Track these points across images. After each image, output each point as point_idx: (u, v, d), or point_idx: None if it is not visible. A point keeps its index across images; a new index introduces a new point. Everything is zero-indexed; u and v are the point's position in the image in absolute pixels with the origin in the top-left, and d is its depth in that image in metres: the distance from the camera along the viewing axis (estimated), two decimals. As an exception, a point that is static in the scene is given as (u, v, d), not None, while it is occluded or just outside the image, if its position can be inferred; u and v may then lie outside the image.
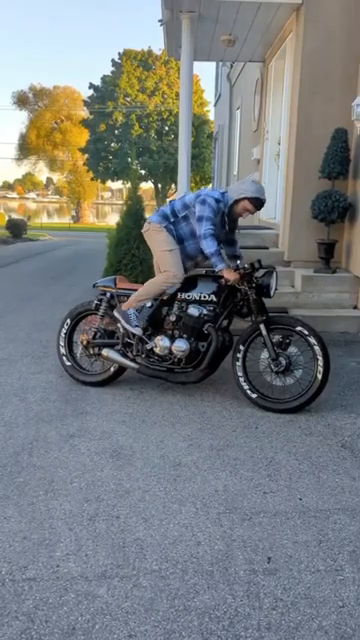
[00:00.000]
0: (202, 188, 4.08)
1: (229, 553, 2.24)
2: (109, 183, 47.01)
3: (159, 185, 39.66)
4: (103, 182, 43.10)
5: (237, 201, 3.77)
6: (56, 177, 60.41)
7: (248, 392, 3.75)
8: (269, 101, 7.84)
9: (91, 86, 37.71)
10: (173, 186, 38.93)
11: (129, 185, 7.08)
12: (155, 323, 3.92)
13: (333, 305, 5.84)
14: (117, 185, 52.53)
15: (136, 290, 4.01)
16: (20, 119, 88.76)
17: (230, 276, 3.64)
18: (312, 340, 3.61)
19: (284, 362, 3.68)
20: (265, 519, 2.48)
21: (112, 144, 37.94)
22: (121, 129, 37.07)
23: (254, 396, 3.74)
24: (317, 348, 3.60)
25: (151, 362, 3.98)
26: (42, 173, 61.61)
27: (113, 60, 37.69)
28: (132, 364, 3.97)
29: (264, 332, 3.68)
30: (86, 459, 3.03)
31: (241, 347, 3.78)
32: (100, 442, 3.24)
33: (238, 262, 3.82)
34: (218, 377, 4.11)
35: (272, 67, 7.71)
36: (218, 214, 3.76)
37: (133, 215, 6.08)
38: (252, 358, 3.83)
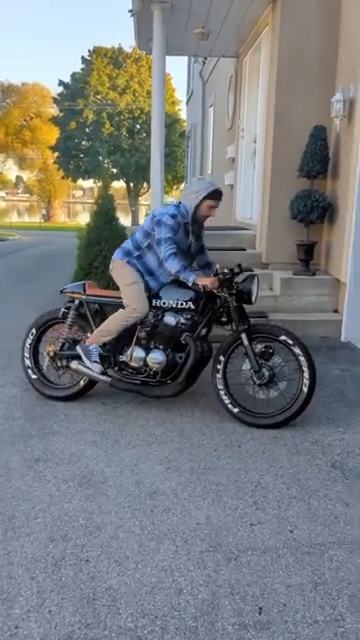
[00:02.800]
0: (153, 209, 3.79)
1: (215, 603, 1.97)
2: (80, 182, 46.41)
3: (131, 184, 39.25)
4: (74, 180, 42.46)
5: (198, 205, 3.54)
6: (26, 175, 59.44)
7: (229, 406, 3.49)
8: (244, 98, 7.60)
9: (61, 83, 37.10)
10: (145, 185, 38.62)
11: (100, 184, 6.75)
12: (128, 333, 3.62)
13: (313, 309, 5.64)
14: (89, 184, 51.81)
15: (107, 297, 3.72)
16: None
17: (206, 282, 3.38)
18: (297, 350, 3.37)
19: (267, 374, 3.43)
20: (254, 557, 2.21)
21: (83, 142, 37.39)
22: (92, 127, 36.53)
23: (236, 410, 3.48)
24: (302, 359, 3.36)
25: (124, 375, 3.69)
26: (11, 171, 60.26)
27: (83, 57, 37.11)
28: (103, 377, 3.67)
29: (246, 342, 3.42)
30: (52, 488, 2.72)
31: (221, 358, 3.52)
32: (68, 467, 2.93)
33: (217, 266, 3.56)
34: (196, 388, 3.83)
35: (246, 63, 7.48)
36: (179, 229, 3.51)
37: (104, 215, 5.78)
38: (233, 369, 3.57)
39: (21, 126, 45.83)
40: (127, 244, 3.71)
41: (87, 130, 37.01)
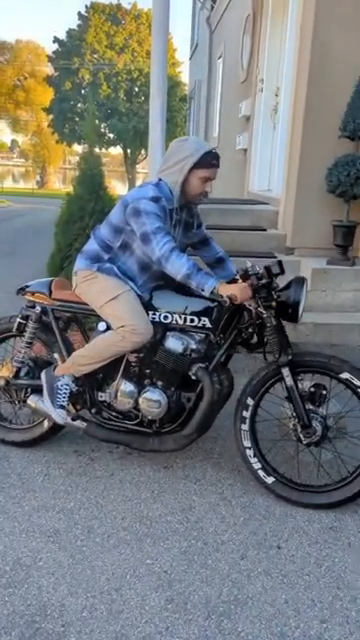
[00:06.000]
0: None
1: None
2: (76, 147, 44.69)
3: (128, 150, 37.50)
4: (69, 145, 40.60)
5: (185, 180, 2.29)
6: (20, 139, 57.50)
7: (260, 474, 2.35)
8: (264, 42, 6.25)
9: (56, 40, 35.01)
10: (143, 152, 36.91)
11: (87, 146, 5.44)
12: (112, 361, 2.44)
13: (351, 308, 4.46)
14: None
15: (82, 304, 2.53)
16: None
17: (234, 291, 2.17)
18: (367, 395, 2.22)
19: (319, 429, 2.28)
20: None
21: (78, 105, 35.52)
22: (88, 89, 34.62)
23: (270, 481, 2.34)
24: (375, 409, 2.21)
25: (105, 419, 2.53)
26: (4, 134, 57.93)
27: (79, 13, 34.96)
28: (75, 423, 2.51)
29: (289, 381, 2.26)
30: (-28, 652, 1.60)
31: (249, 401, 2.36)
32: (7, 595, 1.80)
33: (248, 265, 2.34)
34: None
35: (269, -3, 6.10)
36: (165, 217, 2.29)
37: (88, 183, 4.52)
38: (265, 415, 2.42)
39: (14, 86, 43.77)
40: (91, 246, 2.48)
41: (83, 92, 35.13)
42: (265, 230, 5.03)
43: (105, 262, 2.43)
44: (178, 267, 2.19)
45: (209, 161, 2.30)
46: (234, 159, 7.57)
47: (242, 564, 1.99)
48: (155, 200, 2.25)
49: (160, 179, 2.34)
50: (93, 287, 2.42)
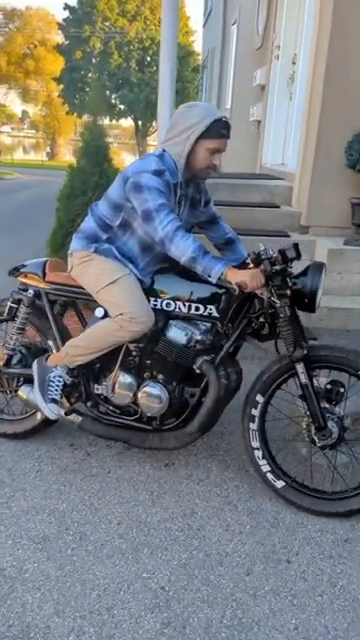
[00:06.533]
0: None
1: None
2: (86, 118, 43.99)
3: (139, 122, 36.78)
4: (79, 116, 39.89)
5: (191, 151, 2.03)
6: (30, 110, 56.70)
7: (269, 477, 2.15)
8: (282, 5, 5.88)
9: (66, 7, 34.10)
10: (154, 124, 36.19)
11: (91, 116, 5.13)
12: (110, 350, 2.23)
13: (368, 292, 4.21)
14: (95, 121, 49.10)
15: (78, 288, 2.32)
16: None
17: (245, 278, 1.94)
18: (390, 396, 2.00)
19: (335, 430, 2.07)
20: None
21: (89, 74, 34.74)
22: (99, 58, 33.80)
23: (280, 485, 2.14)
24: None
25: (103, 414, 2.34)
26: (14, 104, 57.13)
27: (91, -22, 33.94)
28: (69, 417, 2.32)
29: (304, 378, 2.05)
30: None
31: (259, 398, 2.15)
32: (-13, 614, 1.64)
33: (261, 248, 2.10)
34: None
35: None
36: (170, 192, 2.05)
37: (92, 155, 4.26)
38: (275, 413, 2.21)
39: (24, 54, 42.87)
40: (88, 225, 2.25)
41: (94, 61, 34.32)
42: (278, 207, 4.76)
43: (103, 242, 2.21)
44: (183, 249, 1.96)
45: (218, 130, 2.04)
46: (247, 131, 7.23)
47: (247, 581, 1.80)
48: (158, 174, 2.01)
49: (164, 150, 2.10)
50: (90, 270, 2.21)
